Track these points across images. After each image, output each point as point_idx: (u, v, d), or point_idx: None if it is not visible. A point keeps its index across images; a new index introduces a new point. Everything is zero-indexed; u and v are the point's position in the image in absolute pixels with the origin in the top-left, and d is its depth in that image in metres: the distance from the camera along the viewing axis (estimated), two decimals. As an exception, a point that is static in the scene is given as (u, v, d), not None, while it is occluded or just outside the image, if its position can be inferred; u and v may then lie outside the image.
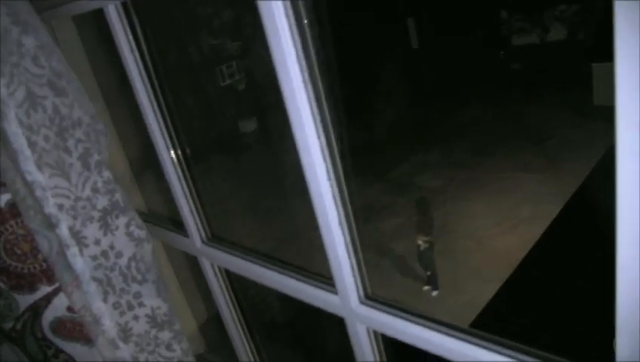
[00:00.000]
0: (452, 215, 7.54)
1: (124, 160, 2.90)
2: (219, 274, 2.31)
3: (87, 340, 1.82)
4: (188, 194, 2.17)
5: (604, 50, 8.60)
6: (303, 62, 1.33)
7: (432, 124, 10.08)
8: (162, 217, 2.77)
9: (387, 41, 10.93)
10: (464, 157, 8.76)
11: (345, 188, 1.47)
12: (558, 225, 6.36)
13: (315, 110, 1.38)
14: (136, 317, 1.73)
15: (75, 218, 1.54)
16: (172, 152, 2.11)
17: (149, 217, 2.73)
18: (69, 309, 1.78)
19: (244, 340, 2.56)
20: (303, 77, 1.34)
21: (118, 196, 1.64)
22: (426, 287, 6.30)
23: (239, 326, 2.51)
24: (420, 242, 6.25)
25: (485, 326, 5.14)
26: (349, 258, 1.56)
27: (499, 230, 6.95)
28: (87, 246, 1.58)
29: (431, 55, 11.17)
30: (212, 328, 3.41)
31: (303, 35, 1.32)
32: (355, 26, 9.43)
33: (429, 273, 6.27)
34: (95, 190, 1.58)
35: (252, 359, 2.64)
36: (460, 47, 10.91)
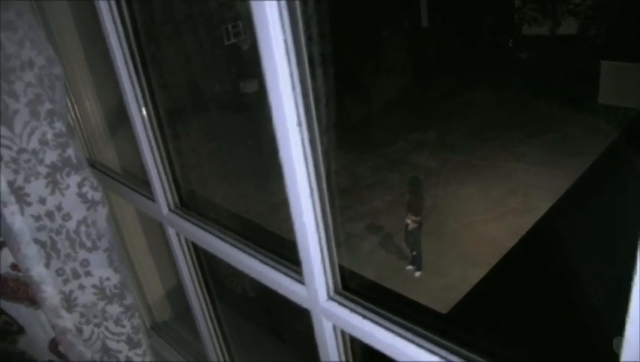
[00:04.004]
0: (443, 197, 7.50)
1: (99, 112, 2.70)
2: (184, 245, 2.14)
3: (32, 302, 1.66)
4: (157, 153, 1.96)
5: (615, 48, 8.41)
6: (289, 34, 1.15)
7: (432, 103, 9.97)
8: (136, 177, 2.58)
9: (396, 18, 10.68)
10: (461, 141, 8.69)
11: (323, 175, 1.31)
12: (547, 220, 6.31)
13: (298, 89, 1.21)
14: (81, 287, 1.57)
15: (16, 172, 1.35)
16: (143, 108, 1.90)
17: (119, 176, 2.55)
18: (14, 267, 1.62)
19: (207, 314, 2.41)
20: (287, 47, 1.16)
21: (70, 151, 1.46)
22: (410, 267, 6.30)
23: (202, 300, 2.35)
24: (408, 221, 6.24)
25: (465, 313, 5.10)
26: (321, 248, 1.40)
27: (487, 217, 6.93)
28: (29, 204, 1.41)
29: (440, 35, 10.95)
30: (181, 293, 3.29)
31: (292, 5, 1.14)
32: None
33: (414, 253, 6.27)
34: (44, 142, 1.39)
35: (213, 333, 2.50)
36: (470, 30, 10.71)
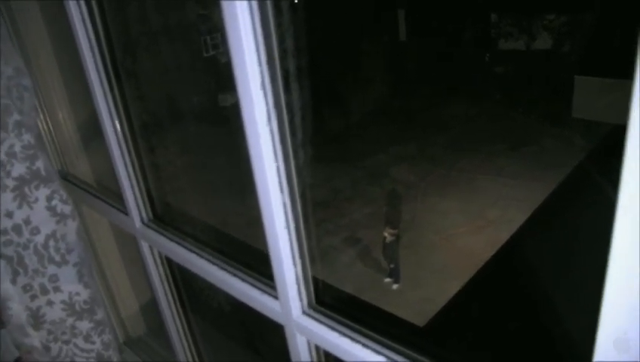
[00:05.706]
0: (421, 210, 7.53)
1: (72, 123, 2.65)
2: (157, 259, 2.11)
3: (-3, 321, 1.61)
4: (130, 166, 1.94)
5: (589, 64, 8.58)
6: (262, 46, 1.14)
7: (411, 117, 10.04)
8: (110, 190, 2.54)
9: (374, 31, 10.79)
10: (440, 154, 8.76)
11: (297, 190, 1.29)
12: (524, 232, 6.36)
13: (270, 97, 1.20)
14: (50, 303, 1.53)
15: (-18, 185, 1.32)
16: (116, 121, 1.87)
17: (92, 188, 2.51)
18: (-23, 285, 1.57)
19: (181, 329, 2.38)
20: (259, 58, 1.15)
21: (39, 164, 1.43)
22: (387, 279, 6.29)
23: (176, 314, 2.32)
24: (386, 234, 6.24)
25: (442, 325, 5.10)
26: (294, 263, 1.39)
27: (465, 230, 6.96)
28: (-5, 218, 1.37)
29: (418, 49, 11.07)
30: (156, 307, 3.23)
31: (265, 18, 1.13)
32: (341, 13, 9.23)
33: (392, 265, 6.26)
34: (11, 155, 1.36)
35: (187, 348, 2.47)
36: (447, 43, 10.85)
